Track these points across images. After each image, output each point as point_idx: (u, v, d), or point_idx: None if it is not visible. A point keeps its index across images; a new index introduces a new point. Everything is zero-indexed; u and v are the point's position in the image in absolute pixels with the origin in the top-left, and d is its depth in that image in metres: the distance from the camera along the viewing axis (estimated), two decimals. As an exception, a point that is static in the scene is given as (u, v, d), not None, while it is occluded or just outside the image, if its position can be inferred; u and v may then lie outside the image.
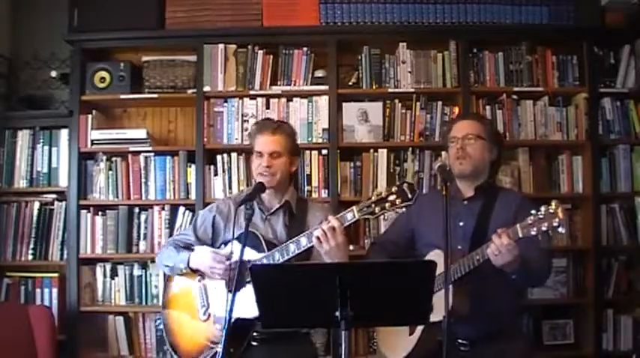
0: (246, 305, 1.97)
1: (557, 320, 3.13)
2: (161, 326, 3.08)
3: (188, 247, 2.34)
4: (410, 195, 1.92)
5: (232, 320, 1.97)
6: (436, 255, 2.13)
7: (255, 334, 2.16)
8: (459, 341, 2.11)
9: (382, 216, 2.93)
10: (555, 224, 1.86)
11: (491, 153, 2.28)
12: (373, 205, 1.96)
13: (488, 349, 2.10)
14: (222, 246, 2.31)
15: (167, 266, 2.33)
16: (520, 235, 1.91)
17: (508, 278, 2.03)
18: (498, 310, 2.14)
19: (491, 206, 2.22)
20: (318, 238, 2.00)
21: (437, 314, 1.80)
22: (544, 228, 1.87)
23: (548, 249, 2.27)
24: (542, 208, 1.90)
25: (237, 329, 2.07)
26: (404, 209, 1.95)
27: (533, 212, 1.91)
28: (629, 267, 3.14)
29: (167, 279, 2.42)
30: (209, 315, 2.25)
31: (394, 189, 1.94)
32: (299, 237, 2.10)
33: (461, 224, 2.21)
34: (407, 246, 2.39)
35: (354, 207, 2.01)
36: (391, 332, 2.28)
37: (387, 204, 1.94)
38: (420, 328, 2.13)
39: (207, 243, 2.35)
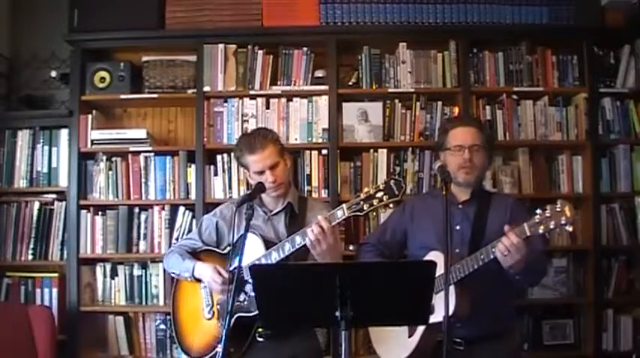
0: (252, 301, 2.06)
1: (557, 320, 3.13)
2: (162, 326, 3.14)
3: (194, 251, 2.39)
4: (396, 191, 1.95)
5: (233, 318, 2.05)
6: (434, 257, 2.12)
7: (259, 330, 2.18)
8: (455, 340, 2.11)
9: (377, 213, 3.03)
10: (563, 222, 1.85)
11: (489, 159, 2.31)
12: (362, 202, 1.99)
13: (484, 348, 2.11)
14: (228, 247, 2.36)
15: (174, 273, 2.40)
16: (528, 233, 1.90)
17: (511, 277, 2.03)
18: (497, 311, 2.15)
19: (486, 210, 2.23)
20: (311, 241, 2.02)
21: (438, 315, 1.80)
22: (552, 226, 1.86)
23: (546, 249, 2.28)
24: (549, 207, 1.89)
25: (239, 327, 2.11)
26: (391, 205, 2.00)
27: (538, 211, 1.90)
28: (629, 267, 3.14)
29: (175, 287, 2.45)
30: (214, 313, 2.29)
31: (381, 185, 1.98)
32: (294, 236, 2.13)
33: (457, 228, 2.20)
34: (398, 247, 2.40)
35: (343, 205, 2.04)
36: (387, 335, 2.27)
37: (374, 201, 1.97)
38: (420, 330, 2.13)
39: (213, 246, 2.40)
